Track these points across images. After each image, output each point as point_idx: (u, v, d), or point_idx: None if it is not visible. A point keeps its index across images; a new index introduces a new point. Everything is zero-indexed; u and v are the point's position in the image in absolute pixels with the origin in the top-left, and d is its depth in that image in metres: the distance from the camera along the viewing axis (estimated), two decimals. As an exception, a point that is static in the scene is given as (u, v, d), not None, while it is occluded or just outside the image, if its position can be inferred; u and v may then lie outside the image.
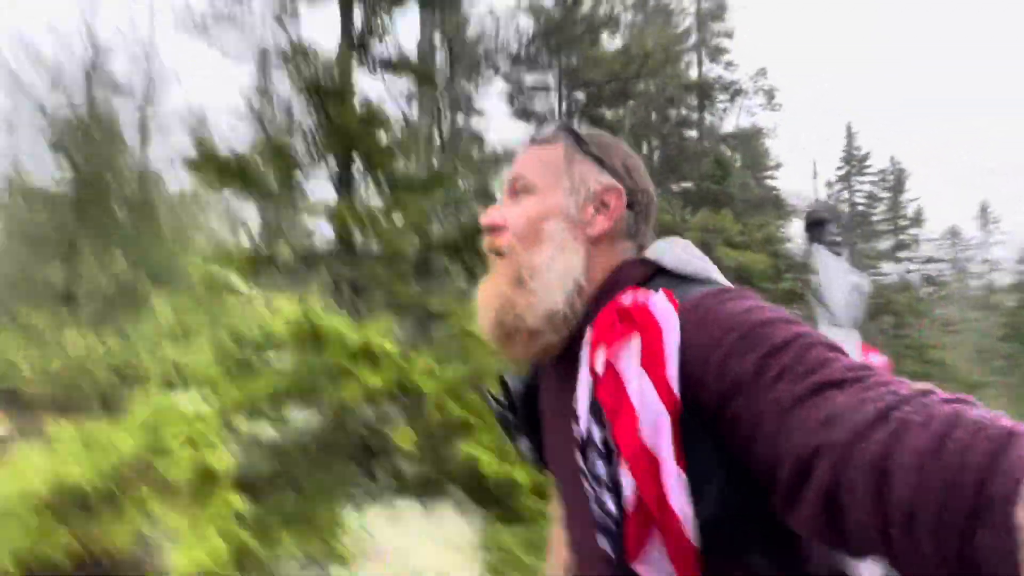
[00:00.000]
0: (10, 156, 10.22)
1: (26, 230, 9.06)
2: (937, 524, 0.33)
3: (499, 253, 0.66)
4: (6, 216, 9.57)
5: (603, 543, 0.51)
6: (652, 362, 0.49)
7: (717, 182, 16.93)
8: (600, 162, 0.66)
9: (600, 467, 0.51)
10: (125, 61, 10.37)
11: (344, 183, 3.56)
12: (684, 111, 20.26)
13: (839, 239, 1.03)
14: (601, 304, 0.58)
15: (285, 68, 4.38)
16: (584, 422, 0.53)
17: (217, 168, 3.56)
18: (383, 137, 3.19)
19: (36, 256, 8.75)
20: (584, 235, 0.64)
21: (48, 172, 9.45)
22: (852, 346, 0.98)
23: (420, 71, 4.08)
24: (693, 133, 20.57)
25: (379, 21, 3.61)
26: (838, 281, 0.94)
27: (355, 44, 3.72)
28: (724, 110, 20.80)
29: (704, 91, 19.99)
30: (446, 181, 3.50)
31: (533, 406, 0.75)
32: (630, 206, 0.66)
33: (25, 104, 9.86)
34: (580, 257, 0.63)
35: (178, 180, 10.54)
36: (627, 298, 0.54)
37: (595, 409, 0.52)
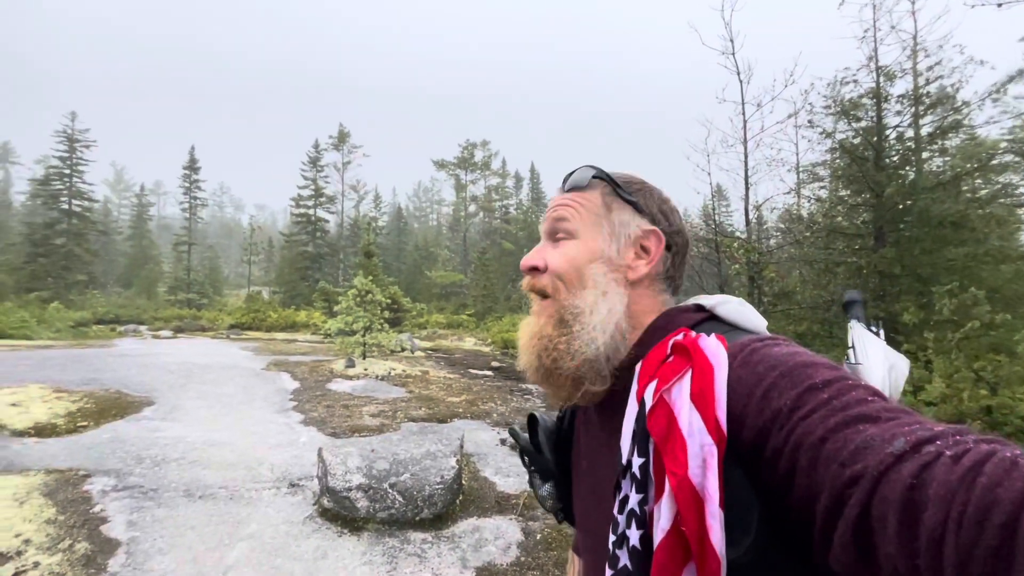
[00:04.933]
0: (815, 199, 11.22)
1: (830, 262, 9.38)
2: (966, 559, 0.32)
3: (542, 294, 0.66)
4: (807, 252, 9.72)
5: None
6: (703, 398, 0.49)
7: None
8: (637, 207, 0.67)
9: (632, 497, 0.51)
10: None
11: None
12: None
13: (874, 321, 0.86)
14: (651, 343, 0.59)
15: None
16: (626, 450, 0.53)
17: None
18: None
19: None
20: (625, 279, 0.65)
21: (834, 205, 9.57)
22: None
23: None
24: None
25: None
26: (875, 359, 0.74)
27: None
28: None
29: None
30: None
31: (564, 450, 0.75)
32: (668, 248, 0.67)
33: (819, 146, 10.17)
34: (622, 300, 0.64)
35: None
36: (679, 336, 0.55)
37: (640, 437, 0.52)
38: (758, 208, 11.30)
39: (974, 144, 10.25)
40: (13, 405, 5.96)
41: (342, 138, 44.66)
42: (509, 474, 4.91)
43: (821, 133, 10.31)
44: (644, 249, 0.66)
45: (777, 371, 0.48)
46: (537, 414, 0.78)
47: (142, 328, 22.14)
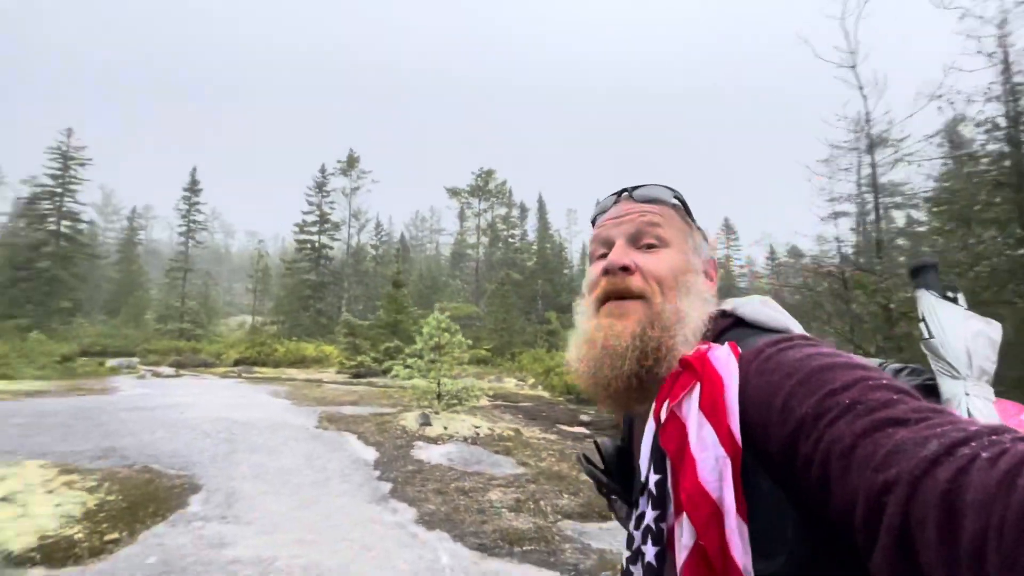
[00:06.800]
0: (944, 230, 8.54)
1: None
2: (1011, 567, 0.30)
3: (629, 296, 0.64)
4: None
5: None
6: (713, 410, 0.49)
7: None
8: (704, 236, 0.73)
9: (648, 514, 0.51)
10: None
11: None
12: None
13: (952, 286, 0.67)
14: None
15: None
16: (644, 468, 0.53)
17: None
18: None
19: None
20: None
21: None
22: (985, 403, 0.59)
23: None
24: None
25: None
26: (954, 328, 0.63)
27: None
28: None
29: None
30: None
31: (629, 468, 0.74)
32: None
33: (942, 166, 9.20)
34: (707, 312, 0.66)
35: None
36: (692, 350, 0.55)
37: (656, 454, 0.52)
38: (881, 239, 9.94)
39: None
40: (3, 500, 4.09)
41: (351, 163, 43.43)
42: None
43: (963, 155, 9.06)
44: (708, 274, 0.70)
45: (794, 379, 0.47)
46: (599, 440, 0.78)
47: (135, 361, 19.90)
